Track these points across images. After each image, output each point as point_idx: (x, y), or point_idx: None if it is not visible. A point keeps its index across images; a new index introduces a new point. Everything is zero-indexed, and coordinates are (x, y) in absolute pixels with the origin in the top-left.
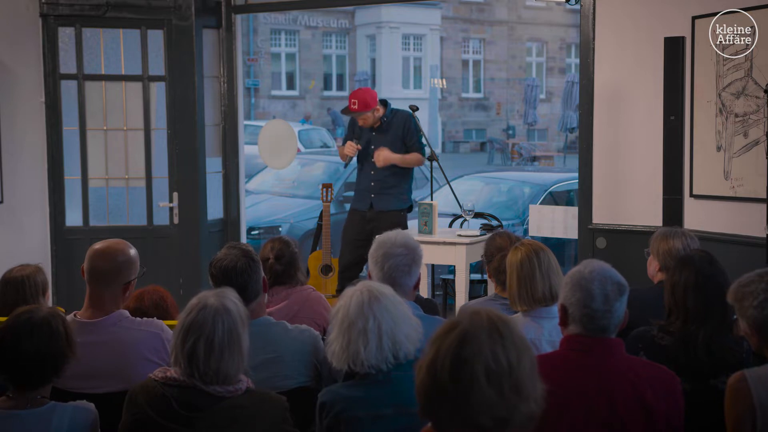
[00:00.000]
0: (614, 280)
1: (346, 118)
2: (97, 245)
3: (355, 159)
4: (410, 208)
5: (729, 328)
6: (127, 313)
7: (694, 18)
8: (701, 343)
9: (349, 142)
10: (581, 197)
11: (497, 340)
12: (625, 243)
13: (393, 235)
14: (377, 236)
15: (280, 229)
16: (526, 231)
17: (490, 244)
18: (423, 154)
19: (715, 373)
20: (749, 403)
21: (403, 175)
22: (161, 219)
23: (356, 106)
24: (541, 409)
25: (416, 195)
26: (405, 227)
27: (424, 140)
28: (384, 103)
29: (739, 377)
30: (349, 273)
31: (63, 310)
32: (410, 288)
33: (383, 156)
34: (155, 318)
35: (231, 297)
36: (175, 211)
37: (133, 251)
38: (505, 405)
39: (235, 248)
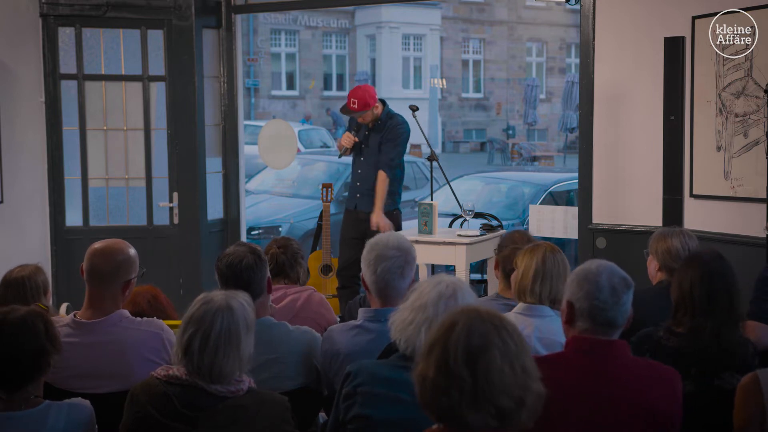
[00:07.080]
0: (621, 275)
1: (346, 118)
2: (97, 245)
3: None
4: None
5: (736, 324)
6: (127, 313)
7: (694, 18)
8: (710, 334)
9: (347, 133)
10: (581, 197)
11: (501, 328)
12: (625, 243)
13: (385, 237)
14: (369, 239)
15: (280, 229)
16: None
17: (507, 236)
18: (388, 170)
19: (723, 366)
20: (760, 403)
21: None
22: (161, 219)
23: (356, 106)
24: (544, 391)
25: (416, 195)
26: (399, 228)
27: (400, 154)
28: (383, 102)
29: (753, 378)
30: (348, 272)
31: (45, 307)
32: (404, 290)
33: (382, 224)
34: (154, 318)
35: (239, 298)
36: (175, 211)
37: (132, 251)
38: (520, 385)
39: (244, 246)
